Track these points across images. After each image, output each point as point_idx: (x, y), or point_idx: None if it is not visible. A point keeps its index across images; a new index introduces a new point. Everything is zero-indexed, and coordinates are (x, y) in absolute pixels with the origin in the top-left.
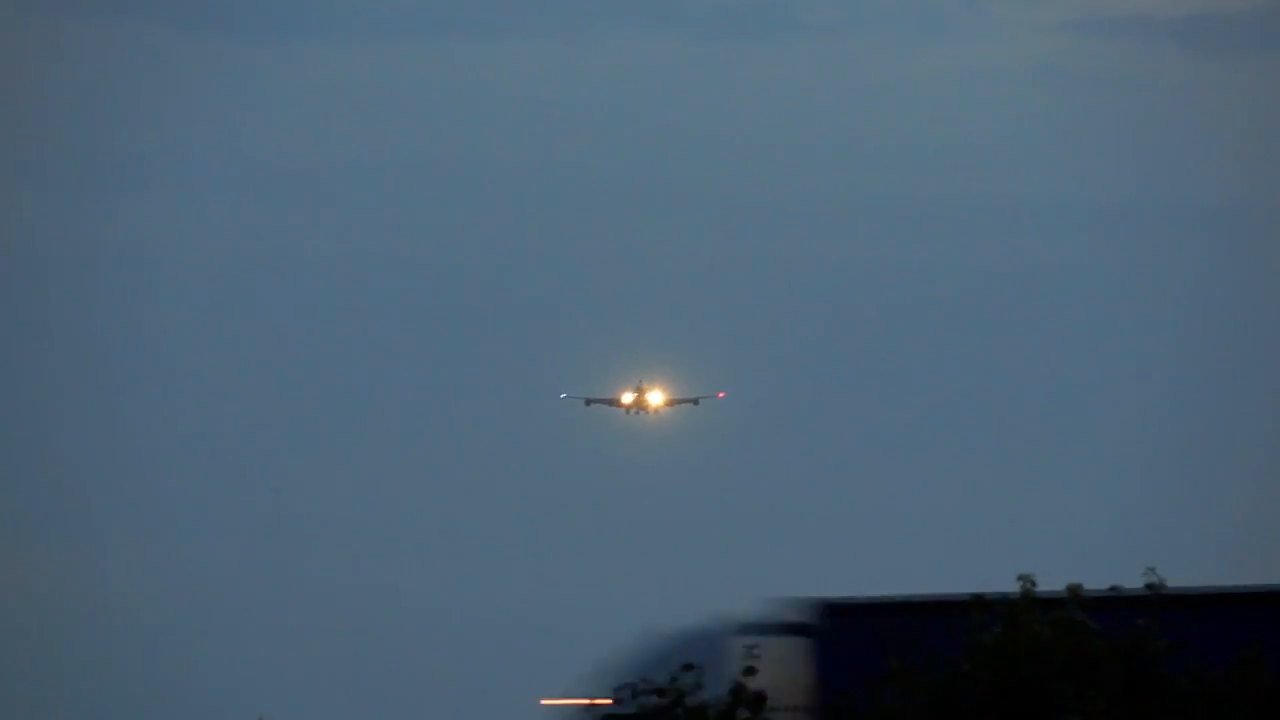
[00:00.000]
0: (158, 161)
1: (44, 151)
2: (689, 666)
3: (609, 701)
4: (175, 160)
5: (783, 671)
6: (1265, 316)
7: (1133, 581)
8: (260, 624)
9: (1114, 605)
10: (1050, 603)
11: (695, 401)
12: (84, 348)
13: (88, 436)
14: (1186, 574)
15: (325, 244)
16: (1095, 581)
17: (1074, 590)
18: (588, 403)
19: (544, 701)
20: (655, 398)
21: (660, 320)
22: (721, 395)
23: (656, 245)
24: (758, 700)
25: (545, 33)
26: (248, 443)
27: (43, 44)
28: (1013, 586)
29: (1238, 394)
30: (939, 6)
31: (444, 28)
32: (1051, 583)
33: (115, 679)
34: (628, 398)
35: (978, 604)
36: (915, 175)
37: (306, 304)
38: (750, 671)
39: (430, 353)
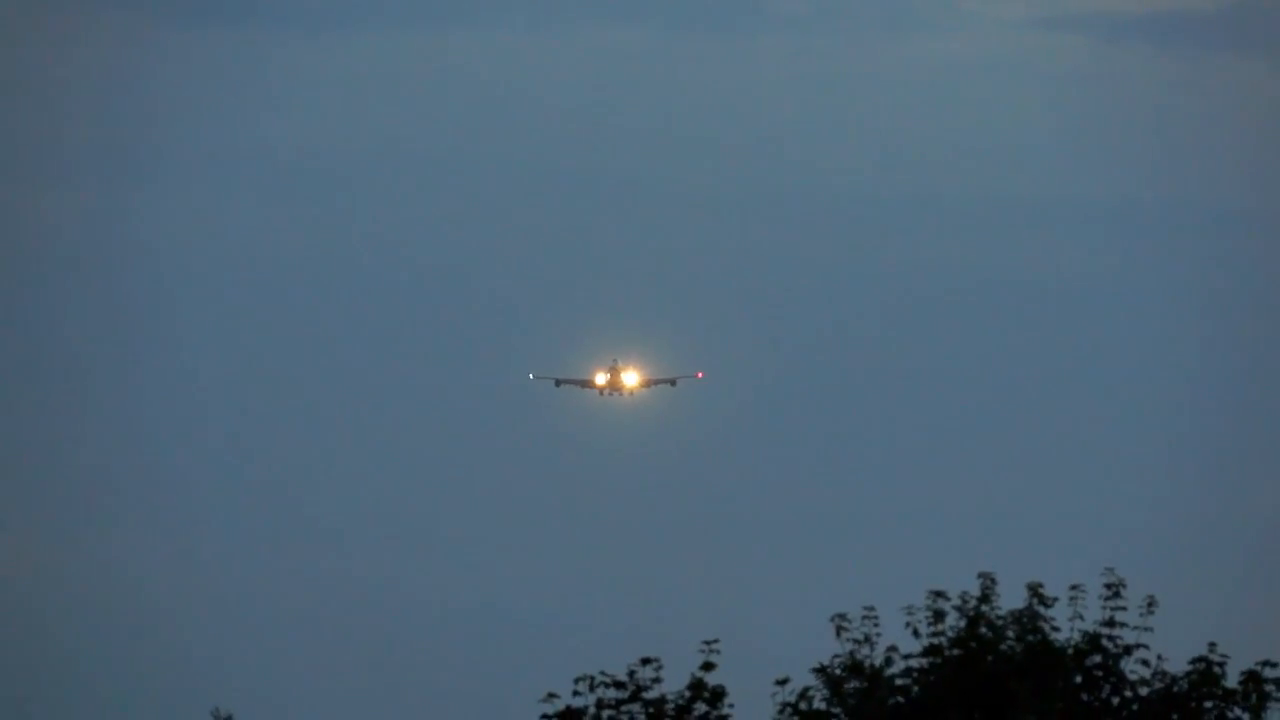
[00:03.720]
0: (152, 155)
1: (51, 146)
2: (647, 660)
3: None
4: (162, 153)
5: None
6: (1241, 310)
7: (1092, 580)
8: (228, 612)
9: None
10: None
11: (672, 382)
12: (83, 340)
13: (88, 430)
14: (1151, 574)
15: (290, 229)
16: (1056, 579)
17: (1034, 588)
18: (558, 383)
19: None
20: (630, 378)
21: (635, 298)
22: (700, 376)
23: (629, 227)
24: (716, 695)
25: (513, 25)
26: (211, 426)
27: (48, 38)
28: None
29: (1220, 391)
30: (907, 1)
31: (412, 21)
32: (1013, 579)
33: (112, 676)
34: (601, 378)
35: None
36: (881, 167)
37: (273, 287)
38: (709, 666)
39: (394, 328)
